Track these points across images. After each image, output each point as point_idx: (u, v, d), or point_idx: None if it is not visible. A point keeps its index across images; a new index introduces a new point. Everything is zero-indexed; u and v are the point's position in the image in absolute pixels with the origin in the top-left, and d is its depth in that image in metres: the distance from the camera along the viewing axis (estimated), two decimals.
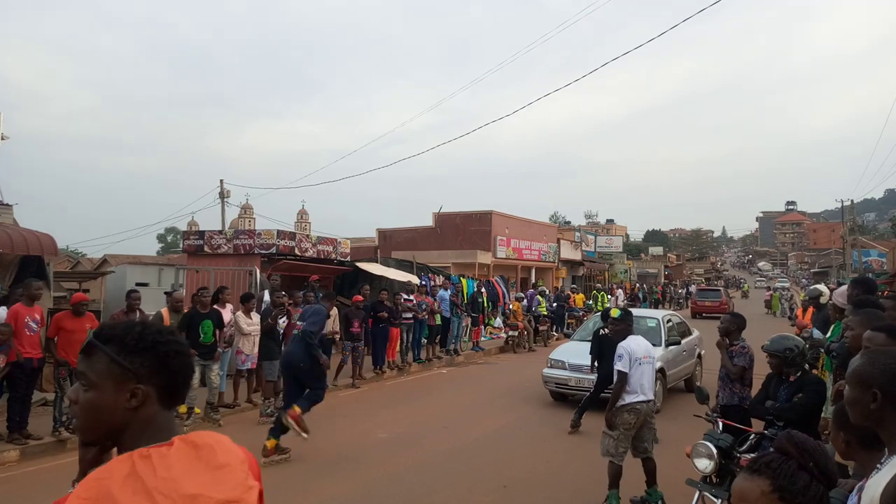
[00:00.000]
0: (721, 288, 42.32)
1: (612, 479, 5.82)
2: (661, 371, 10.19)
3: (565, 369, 10.95)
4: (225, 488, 1.32)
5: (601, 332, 9.64)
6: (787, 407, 4.67)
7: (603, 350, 9.26)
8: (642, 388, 5.98)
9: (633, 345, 6.07)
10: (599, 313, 14.36)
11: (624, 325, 6.26)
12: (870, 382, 1.96)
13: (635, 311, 14.07)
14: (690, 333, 12.78)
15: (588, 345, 11.19)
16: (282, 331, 10.60)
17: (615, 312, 6.46)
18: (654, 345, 10.51)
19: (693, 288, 48.30)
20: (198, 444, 1.37)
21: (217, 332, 9.55)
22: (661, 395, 10.12)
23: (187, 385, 1.52)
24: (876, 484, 1.83)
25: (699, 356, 12.76)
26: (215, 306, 10.12)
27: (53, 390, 8.29)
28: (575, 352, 11.34)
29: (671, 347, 11.17)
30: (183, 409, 9.19)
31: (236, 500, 1.33)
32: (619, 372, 5.92)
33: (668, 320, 12.18)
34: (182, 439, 1.38)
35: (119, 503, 1.23)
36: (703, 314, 31.66)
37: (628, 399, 5.90)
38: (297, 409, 7.51)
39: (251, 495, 1.37)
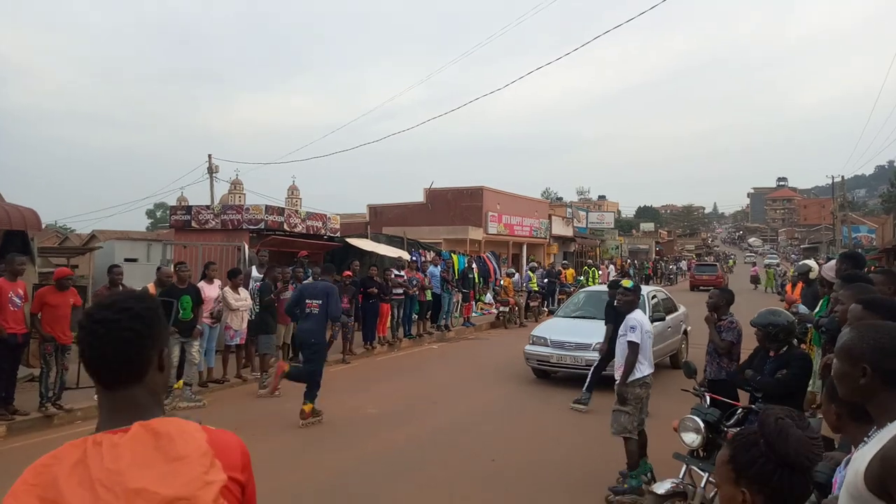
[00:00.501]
0: (717, 263, 45.36)
1: (634, 458, 5.76)
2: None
3: (547, 346, 10.78)
4: (176, 483, 1.22)
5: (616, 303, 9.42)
6: (769, 382, 4.66)
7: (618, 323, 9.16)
8: (650, 362, 6.01)
9: (643, 318, 6.07)
10: (600, 286, 14.34)
11: (633, 297, 6.22)
12: (859, 357, 1.94)
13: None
14: (676, 309, 12.62)
15: (572, 322, 11.41)
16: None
17: (627, 283, 6.38)
18: None
19: (683, 264, 49.05)
20: (158, 431, 1.28)
21: (196, 308, 9.29)
22: None
23: (100, 359, 1.36)
24: (862, 457, 1.81)
25: (685, 332, 12.59)
26: (202, 282, 10.06)
27: (39, 366, 8.22)
28: (558, 328, 11.22)
29: (656, 323, 10.65)
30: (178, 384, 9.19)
31: (186, 498, 1.22)
32: (632, 343, 5.86)
33: (654, 296, 11.94)
34: (143, 425, 1.28)
35: (62, 492, 1.18)
36: (700, 287, 34.14)
37: (639, 373, 5.89)
38: (285, 366, 8.08)
39: (207, 492, 1.25)
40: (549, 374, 11.04)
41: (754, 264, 52.36)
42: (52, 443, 1.44)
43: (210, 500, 1.24)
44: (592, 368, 9.39)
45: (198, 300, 9.37)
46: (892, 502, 1.71)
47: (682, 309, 12.89)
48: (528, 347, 11.07)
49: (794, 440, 1.55)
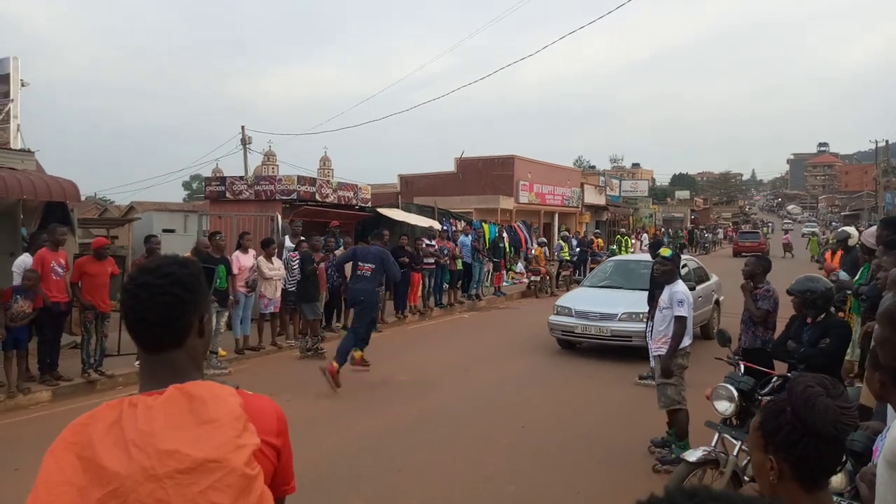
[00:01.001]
0: (759, 230, 48.24)
1: (683, 428, 5.74)
2: None
3: (572, 316, 10.54)
4: (207, 446, 1.23)
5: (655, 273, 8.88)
6: (813, 352, 4.59)
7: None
8: (691, 333, 5.99)
9: (687, 290, 5.98)
10: (630, 255, 13.96)
11: (672, 267, 6.11)
12: None
13: (641, 257, 13.31)
14: (708, 279, 12.22)
15: (599, 291, 11.25)
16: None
17: (666, 252, 6.26)
18: None
19: (721, 232, 48.47)
20: (192, 395, 1.29)
21: (229, 278, 9.45)
22: None
23: (143, 326, 1.38)
24: None
25: (717, 302, 12.22)
26: (238, 251, 10.21)
27: (81, 333, 8.47)
28: (583, 298, 11.05)
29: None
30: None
31: (217, 460, 1.22)
32: (681, 317, 5.76)
33: (684, 265, 11.16)
34: (178, 388, 1.30)
35: (97, 451, 1.20)
36: (743, 253, 34.83)
37: (683, 343, 5.83)
38: (334, 368, 8.14)
39: (239, 455, 1.25)
40: (574, 345, 10.93)
41: (786, 231, 50.43)
42: (95, 407, 1.47)
43: (241, 464, 1.25)
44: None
45: (229, 271, 9.51)
46: None
47: (714, 278, 12.52)
48: (553, 318, 10.91)
49: (821, 409, 1.51)
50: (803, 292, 4.81)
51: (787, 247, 39.15)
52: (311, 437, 6.30)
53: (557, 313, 10.92)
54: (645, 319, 9.03)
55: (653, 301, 8.84)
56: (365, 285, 8.70)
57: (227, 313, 9.49)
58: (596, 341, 10.30)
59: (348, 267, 9.63)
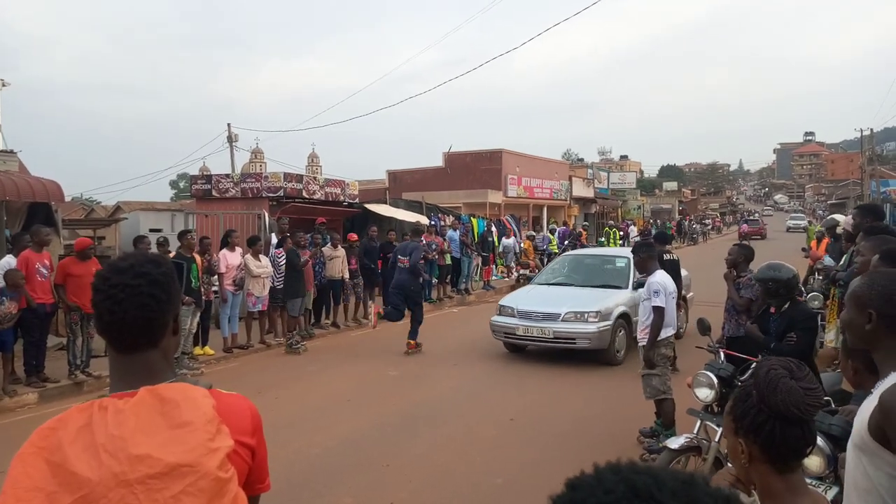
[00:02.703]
0: (759, 218, 57.91)
1: (670, 417, 5.80)
2: (624, 317, 9.37)
3: (514, 317, 9.61)
4: (179, 450, 1.21)
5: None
6: (783, 350, 4.53)
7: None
8: (673, 323, 6.04)
9: (665, 279, 6.03)
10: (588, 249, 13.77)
11: (646, 257, 6.20)
12: (866, 303, 1.92)
13: (601, 251, 12.60)
14: None
15: (548, 289, 10.39)
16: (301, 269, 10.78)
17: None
18: (619, 287, 9.77)
19: (709, 222, 49.65)
20: (164, 397, 1.27)
21: (202, 277, 9.27)
22: (624, 345, 9.34)
23: (118, 327, 1.35)
24: (868, 406, 1.81)
25: (684, 299, 10.92)
26: (224, 249, 10.17)
27: (67, 335, 8.43)
28: (528, 297, 10.14)
29: (640, 290, 9.62)
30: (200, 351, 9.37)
31: (189, 464, 1.21)
32: (657, 308, 5.85)
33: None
34: (149, 390, 1.28)
35: (66, 456, 1.19)
36: (750, 236, 41.83)
37: (664, 333, 5.90)
38: (412, 342, 9.80)
39: (211, 459, 1.24)
40: (521, 349, 10.10)
41: (745, 222, 52.08)
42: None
43: (214, 468, 1.24)
44: None
45: (205, 271, 9.40)
46: (891, 448, 1.71)
47: (682, 273, 10.87)
48: (495, 318, 9.94)
49: (783, 391, 1.53)
50: (765, 281, 4.68)
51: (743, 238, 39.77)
52: (299, 432, 6.31)
53: (500, 313, 9.98)
54: (594, 319, 8.95)
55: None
56: (405, 276, 10.21)
57: (199, 312, 9.24)
58: (538, 344, 9.63)
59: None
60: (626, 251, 11.28)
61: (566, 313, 9.15)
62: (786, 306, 4.69)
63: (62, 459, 1.18)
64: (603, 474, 0.73)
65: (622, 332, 9.35)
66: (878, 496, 1.76)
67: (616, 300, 9.42)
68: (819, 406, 1.61)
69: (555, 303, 9.50)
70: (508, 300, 10.26)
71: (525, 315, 9.52)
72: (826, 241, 11.63)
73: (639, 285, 8.92)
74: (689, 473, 0.75)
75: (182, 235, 9.56)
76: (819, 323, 4.83)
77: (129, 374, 1.33)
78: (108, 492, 1.16)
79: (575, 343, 9.03)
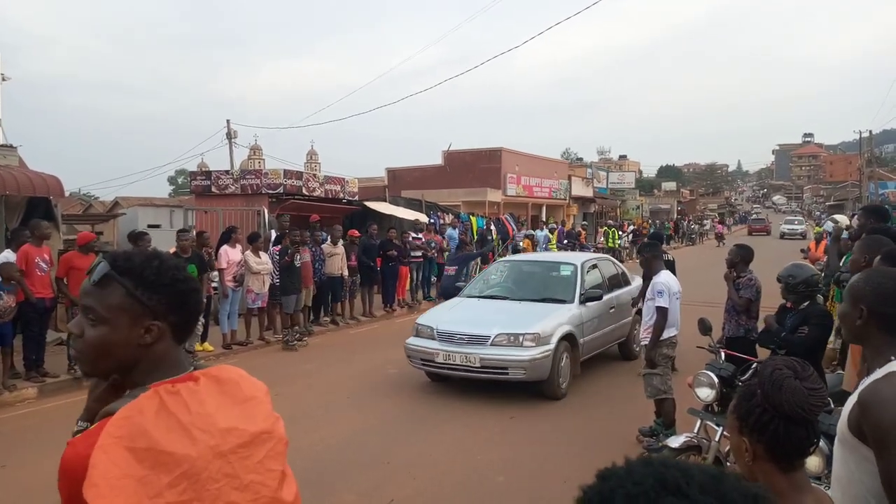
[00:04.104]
0: (765, 217, 64.31)
1: (670, 417, 5.83)
2: (569, 338, 7.70)
3: (433, 339, 7.71)
4: (256, 420, 1.34)
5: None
6: (793, 340, 4.65)
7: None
8: (677, 323, 6.03)
9: (669, 279, 6.04)
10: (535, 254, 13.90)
11: (649, 257, 6.23)
12: (860, 299, 1.95)
13: (544, 256, 12.27)
14: (629, 283, 9.61)
15: (479, 304, 8.60)
16: (299, 265, 10.71)
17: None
18: (564, 301, 8.13)
19: (708, 223, 49.93)
20: (220, 378, 1.37)
21: (203, 276, 9.08)
22: (568, 374, 7.70)
23: (197, 320, 1.53)
24: (849, 402, 1.87)
25: (639, 310, 8.88)
26: (225, 245, 10.18)
27: (67, 329, 8.43)
28: (452, 314, 8.21)
29: (590, 304, 8.24)
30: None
31: (268, 431, 1.34)
32: (660, 308, 5.85)
33: (592, 266, 9.11)
34: (205, 374, 1.36)
35: (155, 439, 1.21)
36: (755, 233, 48.16)
37: (666, 334, 5.91)
38: None
39: (279, 426, 1.39)
40: (444, 378, 8.06)
41: (721, 222, 51.90)
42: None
43: (283, 432, 1.39)
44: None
45: (202, 268, 9.19)
46: (867, 442, 1.75)
47: (636, 282, 9.42)
48: (410, 341, 8.01)
49: (788, 390, 1.55)
50: (786, 278, 4.90)
51: (720, 237, 39.92)
52: (300, 429, 6.32)
53: (417, 334, 8.02)
54: (531, 343, 7.26)
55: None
56: (450, 281, 11.37)
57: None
58: (461, 374, 7.57)
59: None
60: (574, 257, 9.94)
61: (497, 336, 7.36)
62: (804, 305, 4.85)
63: (150, 443, 1.21)
64: (633, 466, 0.75)
65: (566, 358, 7.62)
66: (858, 488, 1.80)
67: (559, 318, 7.72)
68: (823, 406, 1.63)
69: (484, 322, 7.71)
70: (427, 318, 8.26)
71: (446, 337, 7.61)
72: (825, 241, 11.72)
73: (587, 299, 8.12)
74: (719, 469, 0.76)
75: (178, 235, 9.48)
76: (832, 322, 4.93)
77: (178, 363, 1.41)
78: (208, 464, 1.24)
79: (507, 374, 7.27)
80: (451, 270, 12.05)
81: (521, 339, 7.29)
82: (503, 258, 11.88)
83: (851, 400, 1.85)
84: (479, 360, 7.30)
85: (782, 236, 43.62)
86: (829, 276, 6.94)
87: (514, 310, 8.05)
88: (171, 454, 1.21)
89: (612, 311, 8.77)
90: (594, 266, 9.16)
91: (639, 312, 8.97)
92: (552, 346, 7.34)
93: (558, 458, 5.74)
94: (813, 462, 2.90)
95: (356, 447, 6.06)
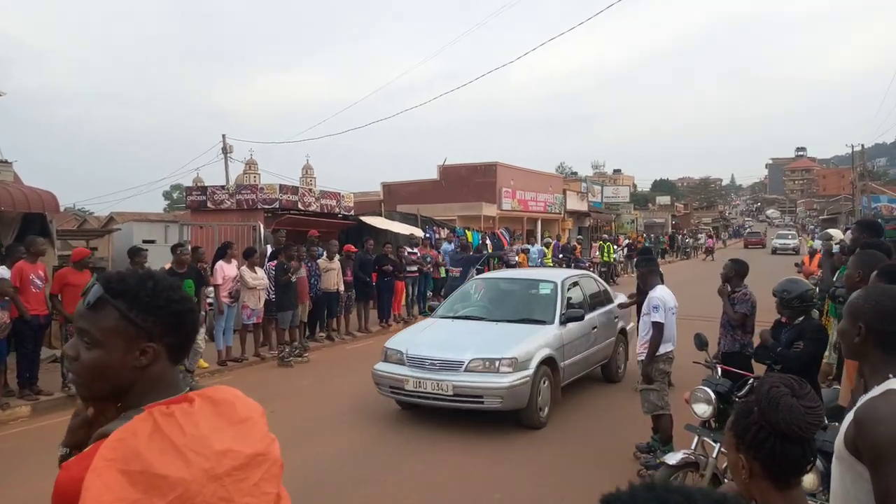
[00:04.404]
0: (760, 231, 68.06)
1: (667, 433, 5.82)
2: (549, 363, 7.20)
3: (403, 364, 7.19)
4: (251, 441, 1.32)
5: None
6: (788, 355, 4.67)
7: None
8: (673, 338, 6.02)
9: (666, 294, 6.04)
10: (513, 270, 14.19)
11: (646, 271, 6.26)
12: (858, 316, 1.96)
13: (522, 273, 11.61)
14: (611, 300, 9.19)
15: (452, 325, 7.97)
16: (294, 280, 10.70)
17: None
18: (543, 322, 7.59)
19: (703, 237, 49.83)
20: (215, 399, 1.35)
21: (198, 291, 9.09)
22: (549, 401, 7.21)
23: (193, 340, 1.50)
24: (847, 420, 1.86)
25: (623, 331, 9.23)
26: (221, 261, 10.16)
27: (61, 347, 8.38)
28: (423, 337, 7.61)
29: (570, 325, 7.72)
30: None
31: (263, 453, 1.33)
32: (656, 323, 5.85)
33: (572, 284, 8.59)
34: (200, 395, 1.35)
35: (149, 462, 1.20)
36: (750, 246, 48.96)
37: (663, 349, 5.90)
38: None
39: (274, 447, 1.37)
40: (414, 406, 7.53)
41: (710, 236, 48.34)
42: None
43: (278, 454, 1.38)
44: None
45: (199, 283, 9.22)
46: (862, 460, 1.75)
47: (619, 298, 9.42)
48: (378, 367, 7.47)
49: (784, 409, 1.55)
50: (780, 292, 4.92)
51: (709, 251, 40.17)
52: (295, 447, 6.28)
53: (386, 358, 7.49)
54: (507, 369, 6.73)
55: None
56: (456, 283, 11.80)
57: (202, 329, 9.22)
58: (432, 403, 7.05)
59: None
60: (555, 274, 9.35)
61: (471, 361, 6.82)
62: (799, 319, 4.86)
63: (144, 466, 1.20)
64: (637, 491, 0.75)
65: (546, 383, 7.10)
66: None
67: (538, 341, 7.20)
68: (819, 425, 1.63)
69: (457, 345, 7.14)
70: (396, 341, 7.70)
71: (417, 363, 7.09)
72: (818, 256, 11.76)
73: (567, 319, 7.65)
74: (722, 493, 0.77)
75: (174, 250, 9.43)
76: (827, 337, 4.95)
77: (173, 384, 1.41)
78: (202, 488, 1.22)
79: (482, 402, 6.76)
80: (455, 272, 12.47)
81: (497, 364, 6.75)
82: (479, 276, 10.75)
83: (849, 417, 1.85)
84: (452, 387, 6.76)
85: (774, 251, 43.02)
86: (824, 290, 6.96)
87: (491, 332, 7.50)
88: (165, 477, 1.19)
89: (594, 331, 8.32)
90: (575, 284, 8.68)
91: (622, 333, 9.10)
92: (531, 371, 6.82)
93: (555, 475, 5.71)
94: (808, 479, 2.90)
95: (352, 465, 6.02)
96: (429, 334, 7.76)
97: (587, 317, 8.11)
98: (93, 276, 7.60)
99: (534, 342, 7.17)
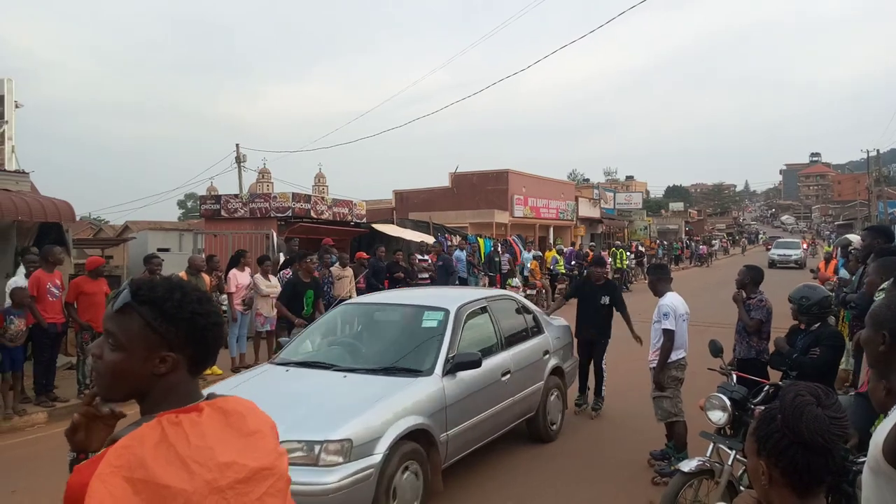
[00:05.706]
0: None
1: (682, 440, 5.79)
2: (420, 438, 4.74)
3: None
4: (258, 455, 1.31)
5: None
6: (805, 362, 4.63)
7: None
8: (685, 345, 5.99)
9: (676, 301, 6.01)
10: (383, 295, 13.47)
11: (655, 279, 6.26)
12: (882, 324, 1.93)
13: (406, 297, 7.14)
14: (541, 331, 6.91)
15: (287, 376, 5.32)
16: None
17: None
18: (418, 373, 5.12)
19: (716, 243, 49.58)
20: (226, 410, 1.35)
21: (317, 300, 9.28)
22: (420, 494, 4.71)
23: (216, 354, 1.48)
24: (882, 429, 1.80)
25: (559, 371, 6.97)
26: (234, 269, 10.23)
27: (76, 354, 8.46)
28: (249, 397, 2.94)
29: (461, 376, 5.31)
30: None
31: (269, 467, 1.32)
32: (667, 331, 5.83)
33: (479, 310, 6.15)
34: (210, 405, 1.35)
35: (152, 471, 1.20)
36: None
37: (675, 356, 5.88)
38: None
39: (283, 461, 1.37)
40: None
41: (706, 243, 47.11)
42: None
43: (285, 470, 1.37)
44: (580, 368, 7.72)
45: (317, 291, 9.35)
46: None
47: (556, 322, 7.51)
48: None
49: (808, 418, 1.51)
50: (798, 299, 4.90)
51: (702, 259, 39.92)
52: None
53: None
54: (336, 457, 4.16)
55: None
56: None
57: None
58: None
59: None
60: (452, 297, 6.30)
61: (282, 443, 2.18)
62: (815, 326, 4.85)
63: (147, 475, 1.20)
64: None
65: (407, 473, 4.61)
66: None
67: (399, 404, 4.74)
68: (844, 436, 1.59)
69: (274, 415, 2.21)
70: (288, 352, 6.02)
71: None
72: (834, 261, 11.65)
73: (456, 367, 5.23)
74: None
75: (191, 260, 9.77)
76: (844, 344, 4.91)
77: (190, 395, 1.40)
78: (203, 500, 1.22)
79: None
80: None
81: (317, 450, 4.17)
82: (351, 300, 8.20)
83: (885, 427, 1.79)
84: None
85: (772, 265, 32.99)
86: (839, 296, 6.89)
87: (329, 391, 4.95)
88: (167, 487, 1.20)
89: (504, 379, 5.88)
90: (482, 310, 6.18)
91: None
92: (378, 457, 4.33)
93: (568, 483, 5.67)
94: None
95: None
96: (252, 394, 3.45)
97: (495, 359, 5.88)
98: (108, 284, 7.68)
99: (388, 408, 4.64)
